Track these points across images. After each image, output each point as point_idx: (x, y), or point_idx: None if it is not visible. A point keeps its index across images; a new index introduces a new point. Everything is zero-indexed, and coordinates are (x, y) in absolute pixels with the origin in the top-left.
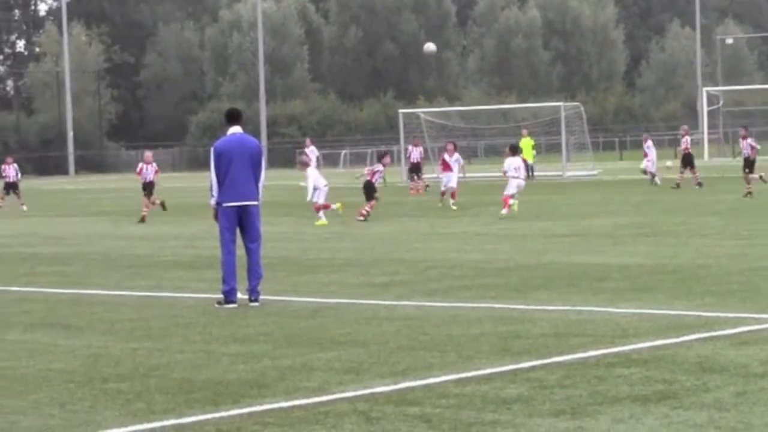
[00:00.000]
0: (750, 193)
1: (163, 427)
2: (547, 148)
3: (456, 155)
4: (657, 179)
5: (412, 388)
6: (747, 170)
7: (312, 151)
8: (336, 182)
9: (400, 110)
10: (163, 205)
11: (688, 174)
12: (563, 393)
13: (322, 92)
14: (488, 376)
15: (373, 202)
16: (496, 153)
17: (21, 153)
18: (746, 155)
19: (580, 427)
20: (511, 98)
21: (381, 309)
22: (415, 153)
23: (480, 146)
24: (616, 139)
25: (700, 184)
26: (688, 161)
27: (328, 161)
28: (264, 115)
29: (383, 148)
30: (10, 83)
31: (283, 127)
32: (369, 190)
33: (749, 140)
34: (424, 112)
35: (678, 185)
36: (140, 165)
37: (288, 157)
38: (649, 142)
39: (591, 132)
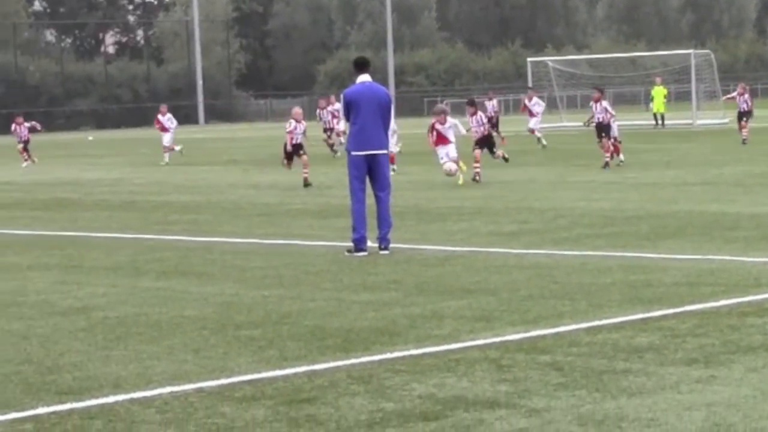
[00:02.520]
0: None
1: (295, 374)
2: (677, 97)
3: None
4: (542, 140)
5: (543, 336)
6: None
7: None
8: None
9: (529, 59)
10: None
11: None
12: (695, 342)
13: (449, 41)
14: (619, 324)
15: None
16: (625, 102)
17: (152, 102)
18: (599, 120)
19: (712, 375)
20: (640, 46)
21: (510, 257)
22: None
23: (609, 95)
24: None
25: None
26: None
27: (456, 110)
28: (392, 64)
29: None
30: (140, 33)
31: (411, 76)
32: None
33: (603, 104)
34: (552, 61)
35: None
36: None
37: (415, 106)
38: (535, 99)
39: (721, 80)
